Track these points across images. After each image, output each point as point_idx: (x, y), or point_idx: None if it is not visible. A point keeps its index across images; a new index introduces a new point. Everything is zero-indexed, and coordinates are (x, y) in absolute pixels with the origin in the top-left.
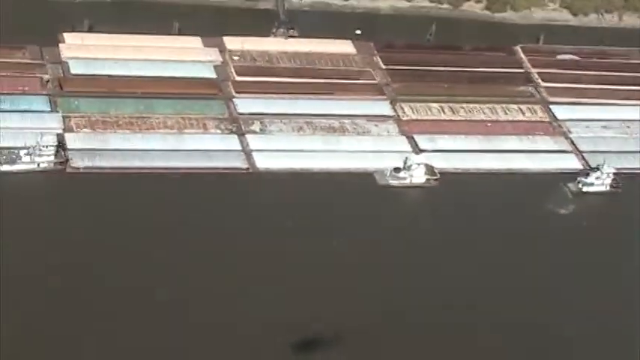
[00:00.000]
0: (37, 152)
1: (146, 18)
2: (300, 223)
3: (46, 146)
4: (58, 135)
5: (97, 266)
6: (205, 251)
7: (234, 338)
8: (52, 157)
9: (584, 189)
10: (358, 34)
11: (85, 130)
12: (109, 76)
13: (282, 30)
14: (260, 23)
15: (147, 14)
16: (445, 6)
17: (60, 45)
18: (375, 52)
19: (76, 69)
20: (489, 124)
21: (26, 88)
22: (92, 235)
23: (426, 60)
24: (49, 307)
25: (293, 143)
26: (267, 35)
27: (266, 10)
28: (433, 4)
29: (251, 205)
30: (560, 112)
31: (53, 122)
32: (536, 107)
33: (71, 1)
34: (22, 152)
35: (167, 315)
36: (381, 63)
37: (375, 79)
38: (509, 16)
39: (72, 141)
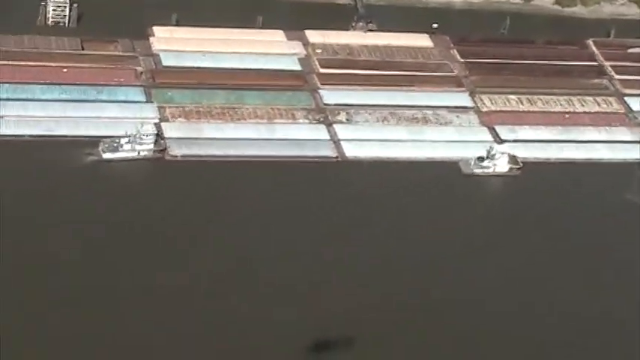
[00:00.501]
0: (138, 141)
1: (229, 12)
2: (389, 209)
3: (146, 135)
4: (154, 124)
5: (194, 251)
6: (301, 236)
7: (329, 322)
8: (151, 146)
9: None
10: (435, 28)
11: (180, 119)
12: (199, 68)
13: (361, 24)
14: (338, 17)
15: (229, 8)
16: (516, 0)
17: (150, 38)
18: (452, 45)
19: (167, 61)
20: (567, 116)
21: (122, 80)
22: (192, 221)
23: (501, 53)
24: (157, 291)
25: (379, 133)
26: (346, 29)
27: (343, 4)
28: None
29: (341, 193)
30: (635, 103)
31: (149, 112)
32: (611, 99)
33: None
34: (123, 141)
35: (266, 298)
36: (458, 56)
37: (453, 72)
38: (578, 10)
39: (169, 130)
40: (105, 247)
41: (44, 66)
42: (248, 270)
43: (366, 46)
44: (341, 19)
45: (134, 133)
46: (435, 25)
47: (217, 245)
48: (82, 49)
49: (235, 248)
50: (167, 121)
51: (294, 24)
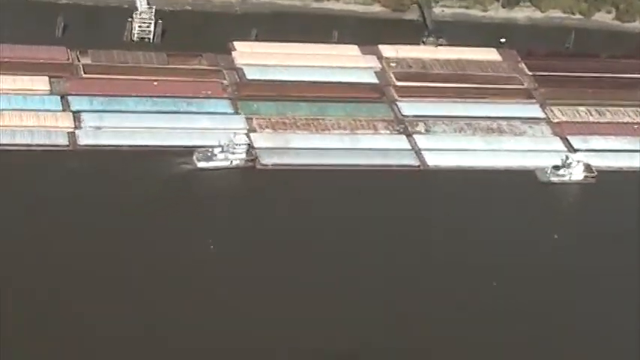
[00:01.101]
0: (231, 150)
1: (303, 28)
2: (472, 215)
3: (239, 145)
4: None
5: (289, 255)
6: (386, 241)
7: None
8: (243, 155)
9: None
10: (502, 43)
11: (267, 130)
12: (281, 81)
13: (431, 39)
14: (407, 33)
15: (303, 24)
16: (577, 16)
17: (233, 53)
18: (519, 59)
19: (251, 75)
20: (636, 126)
21: (209, 92)
22: (286, 226)
23: (567, 66)
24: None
25: (457, 143)
26: (417, 44)
27: (411, 20)
28: (566, 15)
29: (425, 200)
30: None
31: (238, 123)
32: None
33: (233, 13)
34: (217, 150)
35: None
36: (526, 69)
37: (522, 85)
38: (638, 25)
39: (258, 140)
40: (203, 251)
41: (135, 79)
42: (343, 273)
43: (437, 60)
44: (409, 35)
45: (227, 143)
46: (502, 40)
47: (312, 249)
48: (168, 64)
49: (328, 252)
50: (255, 131)
51: (364, 39)
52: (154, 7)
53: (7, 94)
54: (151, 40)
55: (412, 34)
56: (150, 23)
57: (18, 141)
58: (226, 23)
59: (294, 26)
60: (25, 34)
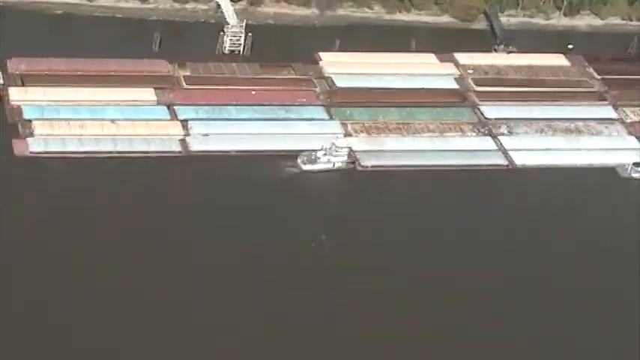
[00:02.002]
0: (333, 153)
1: (379, 38)
2: (562, 210)
3: (341, 148)
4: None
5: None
6: (483, 236)
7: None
8: (345, 158)
9: None
10: (570, 49)
11: (362, 134)
12: (369, 88)
13: (502, 46)
14: (477, 41)
15: (378, 35)
16: (635, 23)
17: (320, 62)
18: (586, 64)
19: (340, 82)
20: None
21: (304, 100)
22: (389, 224)
23: (633, 70)
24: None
25: (540, 143)
26: (488, 51)
27: (479, 29)
28: (624, 22)
29: (516, 197)
30: None
31: (334, 128)
32: None
33: (313, 25)
34: (320, 153)
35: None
36: (594, 73)
37: (593, 87)
38: None
39: (355, 144)
40: (308, 249)
41: (234, 89)
42: (449, 265)
43: (510, 66)
44: (479, 43)
45: (329, 147)
46: (570, 46)
47: (418, 243)
48: (261, 74)
49: (435, 245)
50: (351, 135)
51: (439, 47)
52: (245, 21)
53: (119, 105)
54: (241, 53)
55: (482, 42)
56: (240, 36)
57: (135, 148)
58: (307, 35)
59: (370, 37)
60: (126, 49)
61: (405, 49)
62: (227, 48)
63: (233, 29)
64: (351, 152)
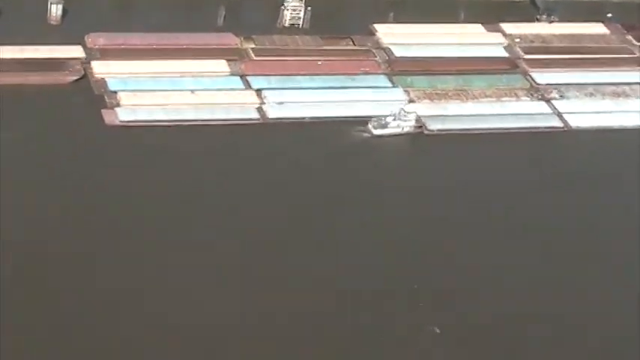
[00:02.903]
0: (402, 118)
1: (426, 10)
2: (621, 170)
3: (409, 113)
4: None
5: (465, 213)
6: (548, 199)
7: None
8: (412, 122)
9: None
10: (609, 18)
11: (424, 101)
12: (426, 57)
13: (544, 16)
14: (519, 12)
15: (425, 7)
16: None
17: (376, 34)
18: (625, 31)
19: (398, 53)
20: None
21: (367, 69)
22: (459, 184)
23: None
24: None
25: (591, 106)
26: (532, 21)
27: (521, 1)
28: None
29: (572, 158)
30: None
31: (398, 95)
32: None
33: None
34: (390, 119)
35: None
36: (633, 40)
37: (634, 54)
38: None
39: (420, 109)
40: (389, 209)
41: (300, 60)
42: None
43: (554, 35)
44: (521, 14)
45: (398, 112)
46: (609, 15)
47: (487, 202)
48: (323, 45)
49: (506, 215)
50: (414, 102)
51: (484, 19)
52: None
53: (194, 76)
54: (301, 25)
55: (523, 13)
56: (300, 10)
57: (216, 116)
58: (360, 9)
59: (419, 9)
60: (192, 23)
61: (453, 20)
62: (287, 21)
63: (293, 3)
64: (418, 117)
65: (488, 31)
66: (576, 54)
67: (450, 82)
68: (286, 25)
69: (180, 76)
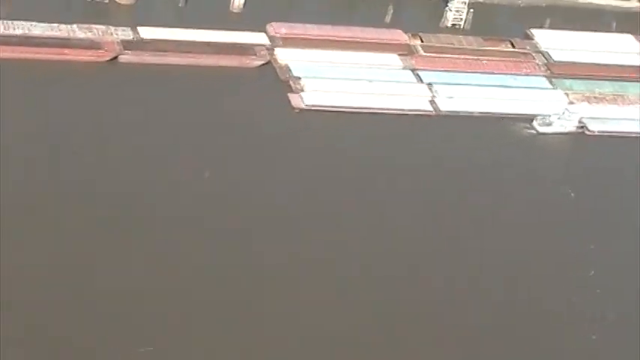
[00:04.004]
0: (566, 118)
1: (576, 18)
2: None
3: (572, 114)
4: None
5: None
6: None
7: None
8: (575, 123)
9: None
10: None
11: (583, 103)
12: (581, 62)
13: None
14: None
15: (575, 16)
16: None
17: (534, 38)
18: None
19: (556, 57)
20: None
21: (528, 71)
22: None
23: None
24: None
25: None
26: None
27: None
28: None
29: None
30: None
31: (559, 97)
32: None
33: (517, 6)
34: (554, 118)
35: None
36: None
37: None
38: None
39: (582, 110)
40: (559, 201)
41: (467, 58)
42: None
43: None
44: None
45: (562, 112)
46: None
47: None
48: (485, 46)
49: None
50: (573, 104)
51: (630, 29)
52: None
53: (370, 67)
54: (462, 27)
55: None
56: (463, 12)
57: (393, 106)
58: (514, 14)
59: (569, 17)
60: (360, 19)
61: (601, 29)
62: (450, 22)
63: (457, 5)
64: (580, 118)
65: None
66: None
67: (607, 87)
68: (448, 25)
69: (356, 67)
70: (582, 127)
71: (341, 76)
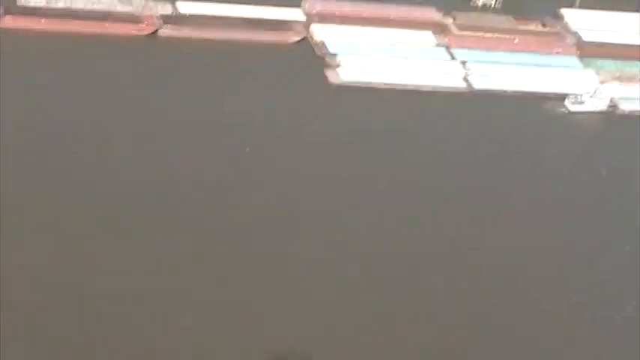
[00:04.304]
0: (597, 97)
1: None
2: None
3: (604, 93)
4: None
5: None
6: None
7: None
8: (607, 102)
9: None
10: None
11: (614, 83)
12: (613, 43)
13: None
14: None
15: None
16: None
17: (564, 18)
18: None
19: (586, 37)
20: None
21: (560, 50)
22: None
23: None
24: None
25: None
26: None
27: None
28: None
29: None
30: None
31: (590, 76)
32: None
33: None
34: (586, 97)
35: None
36: None
37: None
38: None
39: (611, 90)
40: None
41: (499, 37)
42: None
43: None
44: None
45: (593, 91)
46: None
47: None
48: (516, 26)
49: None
50: (604, 83)
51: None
52: None
53: (404, 44)
54: (493, 6)
55: None
56: None
57: (427, 83)
58: None
59: None
60: None
61: (632, 9)
62: (481, 1)
63: None
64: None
65: None
66: None
67: (637, 67)
68: (479, 4)
69: (391, 44)
70: (613, 106)
71: (376, 53)
